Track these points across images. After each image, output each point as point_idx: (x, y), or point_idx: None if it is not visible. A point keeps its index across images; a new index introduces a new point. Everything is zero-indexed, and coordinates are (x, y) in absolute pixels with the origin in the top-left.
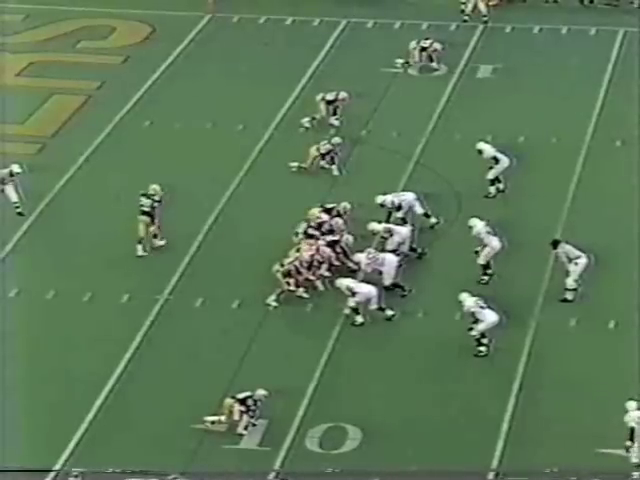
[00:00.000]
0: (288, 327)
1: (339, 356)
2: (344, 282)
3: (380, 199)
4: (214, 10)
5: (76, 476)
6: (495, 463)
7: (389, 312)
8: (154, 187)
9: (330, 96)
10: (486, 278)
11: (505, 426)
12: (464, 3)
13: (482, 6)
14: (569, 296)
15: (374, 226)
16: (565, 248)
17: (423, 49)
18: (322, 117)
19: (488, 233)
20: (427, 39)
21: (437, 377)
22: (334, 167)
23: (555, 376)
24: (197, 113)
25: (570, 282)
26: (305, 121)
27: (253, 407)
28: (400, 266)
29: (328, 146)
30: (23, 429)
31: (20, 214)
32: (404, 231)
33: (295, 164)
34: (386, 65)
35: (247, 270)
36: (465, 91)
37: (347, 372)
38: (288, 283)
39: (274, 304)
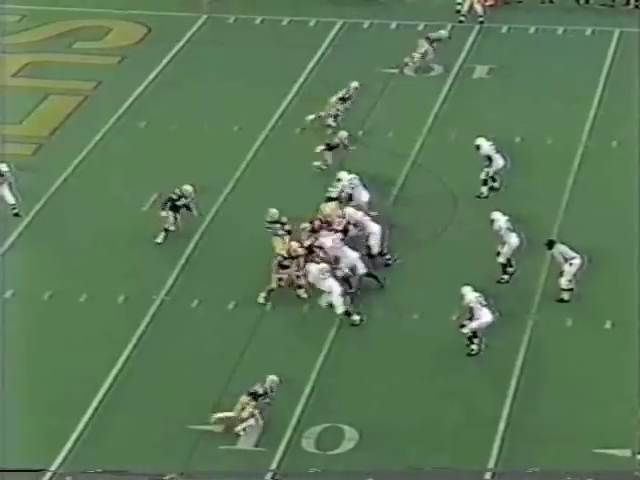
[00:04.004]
0: (285, 327)
1: (336, 357)
2: (319, 266)
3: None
4: (210, 11)
5: (74, 476)
6: (492, 463)
7: (356, 317)
8: (186, 188)
9: (342, 93)
10: (506, 277)
11: (502, 426)
12: (460, 3)
13: (478, 6)
14: (565, 296)
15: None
16: (560, 249)
17: (432, 42)
18: (338, 114)
19: (508, 229)
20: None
21: (434, 377)
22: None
23: (552, 376)
24: (193, 114)
25: (564, 282)
26: (310, 118)
27: (269, 394)
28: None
29: (336, 140)
30: (21, 429)
31: (16, 215)
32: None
33: (317, 163)
34: (382, 65)
35: (244, 271)
36: (461, 91)
37: (344, 373)
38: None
39: (262, 301)
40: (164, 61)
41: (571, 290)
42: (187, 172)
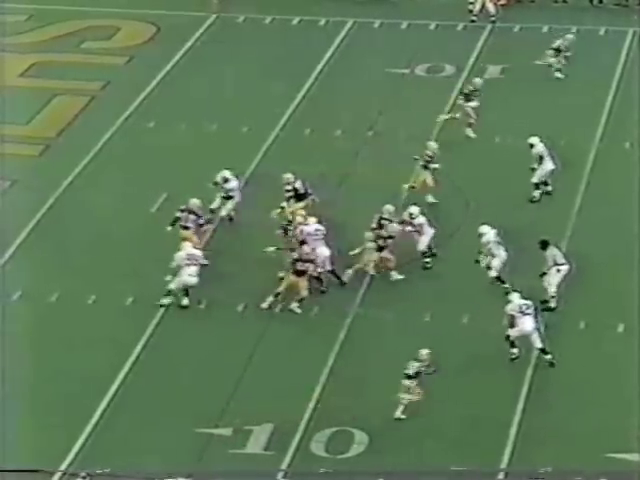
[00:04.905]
0: (293, 330)
1: (345, 360)
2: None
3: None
4: (219, 10)
5: (84, 477)
6: (502, 465)
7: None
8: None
9: (466, 89)
10: (507, 285)
11: (514, 429)
12: (472, 3)
13: (490, 6)
14: (552, 303)
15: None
16: (553, 251)
17: (558, 51)
18: (466, 113)
19: (497, 243)
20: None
21: (445, 380)
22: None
23: (564, 379)
24: (202, 114)
25: (552, 289)
26: (443, 118)
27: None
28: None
29: (428, 152)
30: (28, 432)
31: None
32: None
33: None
34: (393, 65)
35: (253, 273)
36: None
37: (353, 375)
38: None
39: (265, 306)
40: (173, 61)
41: (554, 298)
42: (196, 173)
